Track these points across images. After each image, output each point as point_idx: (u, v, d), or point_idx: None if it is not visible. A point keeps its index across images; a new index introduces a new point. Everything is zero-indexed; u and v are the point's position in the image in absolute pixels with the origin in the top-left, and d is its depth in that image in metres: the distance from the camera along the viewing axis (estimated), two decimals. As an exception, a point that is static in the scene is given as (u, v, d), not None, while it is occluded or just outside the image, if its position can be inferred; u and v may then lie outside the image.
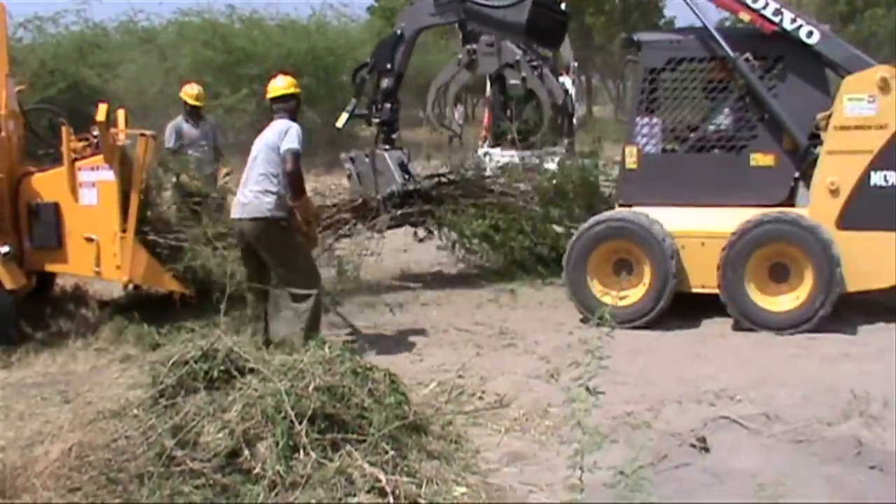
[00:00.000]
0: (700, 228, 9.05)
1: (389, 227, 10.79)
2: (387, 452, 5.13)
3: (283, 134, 7.89)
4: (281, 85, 8.25)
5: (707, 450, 5.92)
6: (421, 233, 11.41)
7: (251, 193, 7.87)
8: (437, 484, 5.14)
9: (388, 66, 10.24)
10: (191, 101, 11.52)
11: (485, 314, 9.52)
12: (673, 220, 9.04)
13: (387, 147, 10.63)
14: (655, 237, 8.88)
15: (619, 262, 9.21)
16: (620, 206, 9.53)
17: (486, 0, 9.95)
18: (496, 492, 5.33)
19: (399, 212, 10.41)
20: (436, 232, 11.30)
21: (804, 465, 5.65)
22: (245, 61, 23.42)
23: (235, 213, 8.00)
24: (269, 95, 8.28)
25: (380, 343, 8.72)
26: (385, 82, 10.32)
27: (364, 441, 5.16)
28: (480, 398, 6.92)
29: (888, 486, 5.32)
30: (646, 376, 7.45)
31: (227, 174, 11.46)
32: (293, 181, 7.92)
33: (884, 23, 28.30)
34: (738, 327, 8.79)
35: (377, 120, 10.71)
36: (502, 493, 5.35)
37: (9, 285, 8.55)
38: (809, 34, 8.79)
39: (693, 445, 5.96)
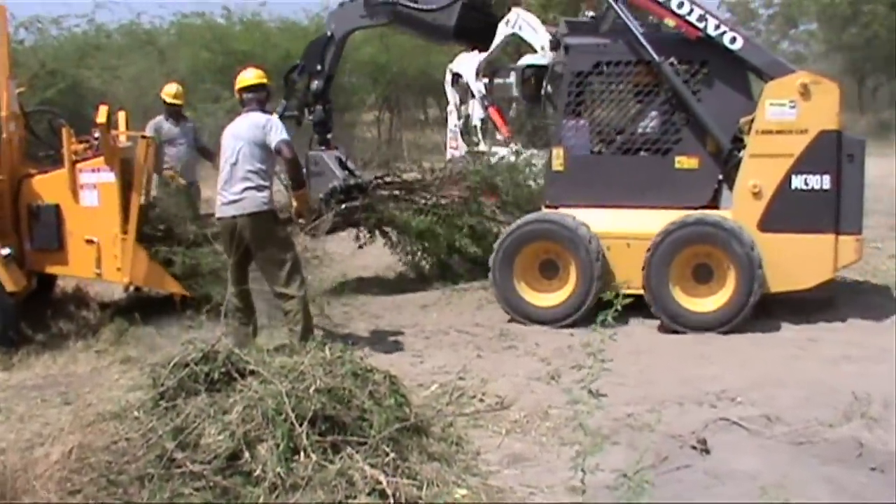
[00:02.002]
0: (625, 230, 9.19)
1: (332, 231, 10.65)
2: (387, 454, 5.14)
3: (264, 127, 7.90)
4: (251, 76, 8.24)
5: (708, 451, 5.93)
6: (362, 237, 11.27)
7: (241, 190, 7.84)
8: (437, 486, 5.15)
9: (319, 67, 10.16)
10: (169, 100, 11.51)
11: (485, 316, 9.52)
12: (599, 221, 9.19)
13: (323, 147, 10.59)
14: (581, 238, 9.02)
15: (545, 263, 9.32)
16: (547, 207, 9.63)
17: (415, 3, 9.88)
18: (497, 493, 5.33)
19: (343, 206, 10.22)
20: (377, 234, 11.20)
21: (805, 466, 5.66)
22: (244, 63, 23.31)
23: (225, 211, 7.95)
24: (240, 86, 8.22)
25: (380, 345, 8.71)
26: (315, 84, 10.22)
27: (365, 443, 5.17)
28: (481, 400, 6.92)
29: (889, 487, 5.33)
30: (647, 377, 7.45)
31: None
32: (295, 170, 8.07)
33: (885, 23, 28.24)
34: (663, 328, 8.89)
35: (310, 121, 10.63)
36: (503, 494, 5.35)
37: (9, 287, 8.54)
38: (733, 40, 8.95)
39: (694, 447, 5.97)
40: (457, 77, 17.74)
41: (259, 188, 7.88)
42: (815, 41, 37.63)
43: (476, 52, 16.57)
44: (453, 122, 17.94)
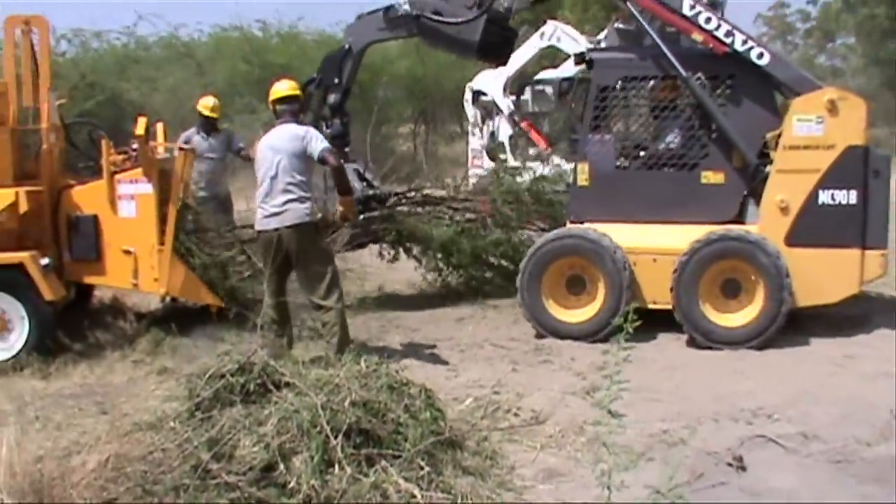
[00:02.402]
0: (651, 245, 9.15)
1: (354, 245, 10.70)
2: (422, 468, 5.14)
3: (304, 138, 7.97)
4: (285, 88, 8.30)
5: (744, 469, 5.87)
6: (385, 254, 11.28)
7: (282, 203, 7.88)
8: (472, 500, 5.14)
9: (336, 80, 10.13)
10: (206, 112, 11.59)
11: (521, 329, 9.49)
12: (624, 236, 9.15)
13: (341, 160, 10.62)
14: (609, 254, 8.98)
15: (572, 279, 9.30)
16: (572, 222, 9.60)
17: (439, 16, 9.79)
18: (531, 509, 5.31)
19: (361, 217, 10.21)
20: (400, 249, 11.19)
21: (842, 485, 5.60)
22: (281, 76, 23.36)
23: (266, 224, 7.98)
24: (274, 97, 8.27)
25: (415, 358, 8.70)
26: (332, 97, 10.18)
27: (399, 456, 5.17)
28: (516, 414, 6.88)
29: (929, 508, 5.26)
30: (682, 393, 7.40)
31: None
32: (340, 177, 8.18)
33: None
34: (692, 343, 8.85)
35: (328, 134, 10.63)
36: (537, 510, 5.33)
37: (48, 296, 8.60)
38: (760, 55, 8.94)
39: (730, 464, 5.92)
40: (477, 95, 17.65)
41: (301, 199, 7.92)
42: (853, 55, 37.38)
43: (499, 68, 16.57)
44: (476, 141, 17.81)
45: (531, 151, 16.32)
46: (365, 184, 10.03)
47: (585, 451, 6.21)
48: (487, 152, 17.36)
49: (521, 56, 15.97)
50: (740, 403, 7.08)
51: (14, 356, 8.59)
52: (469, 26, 9.50)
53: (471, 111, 17.94)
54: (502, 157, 16.83)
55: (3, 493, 4.83)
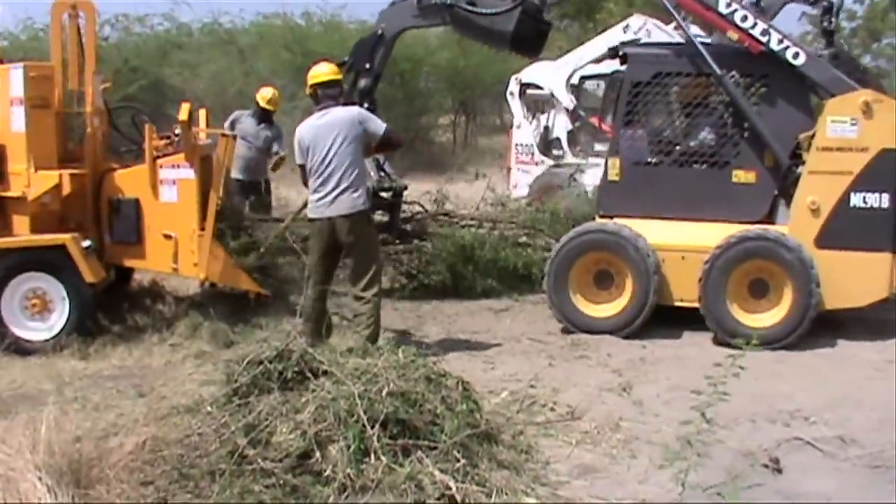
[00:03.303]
0: (680, 242, 9.12)
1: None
2: (458, 460, 5.14)
3: (361, 122, 7.98)
4: (326, 71, 8.24)
5: (780, 471, 5.84)
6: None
7: (339, 191, 7.86)
8: (506, 494, 5.14)
9: (367, 65, 10.08)
10: (262, 104, 11.61)
11: (557, 324, 9.45)
12: (653, 232, 9.11)
13: None
14: (638, 250, 8.95)
15: (599, 274, 9.27)
16: (601, 217, 9.57)
17: (473, 6, 9.64)
18: (565, 504, 5.29)
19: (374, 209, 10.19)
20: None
21: (880, 491, 5.55)
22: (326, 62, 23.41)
23: (320, 212, 7.96)
24: (316, 81, 8.18)
25: (452, 350, 8.69)
26: (363, 82, 10.10)
27: (435, 448, 5.18)
28: (552, 409, 6.86)
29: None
30: (719, 393, 7.34)
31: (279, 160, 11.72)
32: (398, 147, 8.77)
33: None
34: (717, 341, 8.80)
35: None
36: (572, 506, 5.31)
37: (89, 278, 8.66)
38: (796, 55, 8.84)
39: (766, 466, 5.88)
40: (525, 88, 17.28)
41: (355, 188, 7.90)
42: (899, 56, 36.90)
43: (559, 60, 16.34)
44: (523, 136, 17.19)
45: (597, 147, 15.89)
46: (382, 174, 10.04)
47: (621, 447, 6.19)
48: (540, 148, 16.92)
49: (595, 49, 15.56)
50: (778, 405, 7.03)
51: (54, 336, 8.65)
52: (503, 17, 9.43)
53: (517, 105, 17.21)
54: (557, 153, 16.58)
55: (42, 472, 4.87)
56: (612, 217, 9.44)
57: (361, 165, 8.04)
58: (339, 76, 8.37)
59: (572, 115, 16.31)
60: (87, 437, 5.54)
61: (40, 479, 4.83)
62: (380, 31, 9.90)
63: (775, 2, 9.90)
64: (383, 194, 9.56)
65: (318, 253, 8.09)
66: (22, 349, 8.60)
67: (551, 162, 16.13)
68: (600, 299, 9.25)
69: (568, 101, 16.25)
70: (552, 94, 16.43)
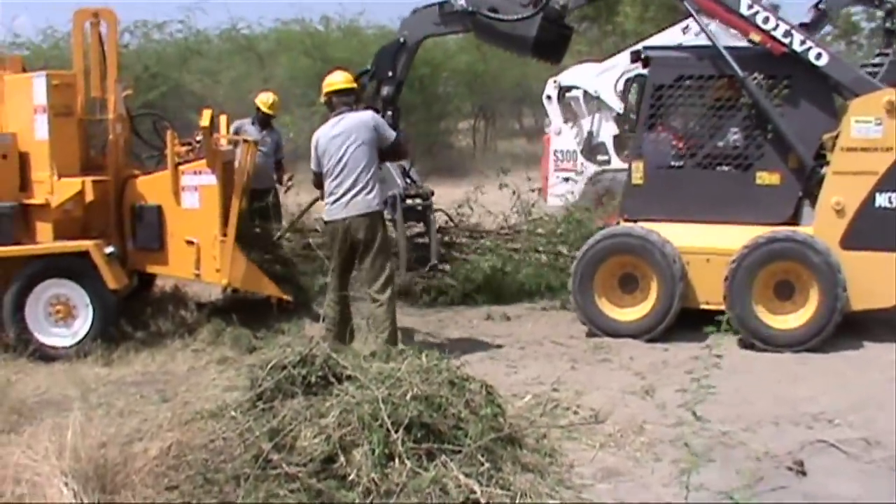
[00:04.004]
0: (705, 245, 9.07)
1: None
2: (482, 464, 5.14)
3: (375, 128, 8.11)
4: (340, 79, 8.36)
5: (804, 473, 5.80)
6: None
7: (353, 193, 7.98)
8: (530, 497, 5.14)
9: (390, 73, 10.11)
10: (264, 109, 11.56)
11: (580, 328, 9.44)
12: (678, 235, 9.07)
13: None
14: (665, 255, 8.93)
15: (624, 277, 9.25)
16: (625, 220, 9.54)
17: (495, 13, 9.60)
18: (590, 508, 5.29)
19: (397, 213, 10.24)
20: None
21: (906, 492, 5.52)
22: (338, 69, 23.42)
23: (335, 214, 8.07)
24: (331, 89, 8.33)
25: (475, 354, 8.71)
26: (385, 90, 10.15)
27: (459, 452, 5.18)
28: (575, 412, 6.86)
29: None
30: (743, 396, 7.31)
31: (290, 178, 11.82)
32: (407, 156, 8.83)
33: None
34: (743, 344, 8.76)
35: None
36: (596, 509, 5.30)
37: (112, 284, 8.71)
38: (818, 56, 8.80)
39: (790, 468, 5.85)
40: (564, 91, 16.92)
41: (370, 190, 8.03)
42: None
43: (605, 63, 16.11)
44: (565, 143, 16.58)
45: None
46: (409, 181, 10.06)
47: (645, 451, 6.18)
48: (585, 154, 16.46)
49: None
50: (801, 408, 7.00)
51: (78, 342, 8.71)
52: (524, 23, 9.43)
53: (555, 109, 16.71)
54: (602, 158, 16.25)
55: (68, 477, 4.89)
56: (636, 221, 9.42)
57: (375, 168, 8.14)
58: (354, 84, 8.46)
59: (619, 118, 16.05)
60: (111, 442, 5.56)
61: (66, 484, 4.86)
62: (402, 39, 9.94)
63: (837, 3, 9.89)
64: (410, 201, 9.60)
65: (336, 257, 8.19)
66: (46, 355, 8.65)
67: (596, 168, 15.86)
68: (625, 303, 9.24)
69: (617, 104, 15.98)
70: (598, 98, 16.16)
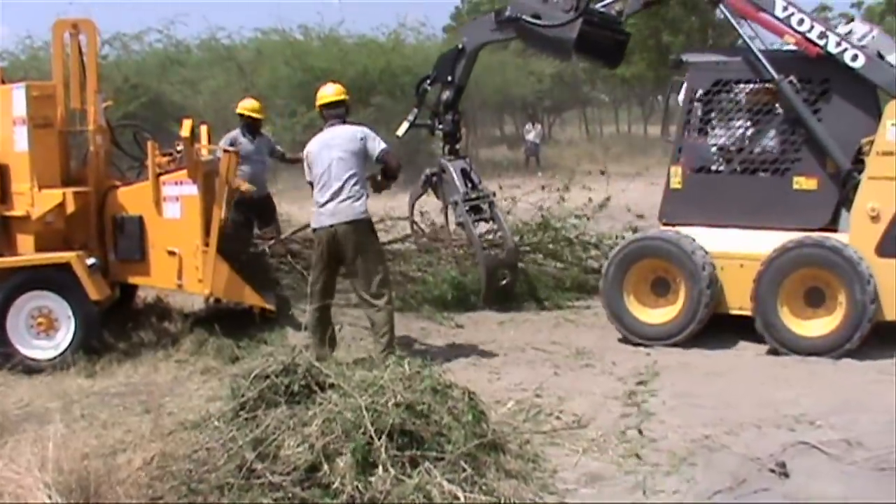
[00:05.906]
0: (739, 250, 9.02)
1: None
2: (465, 470, 5.16)
3: (363, 139, 8.20)
4: (332, 92, 8.47)
5: (787, 475, 5.82)
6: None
7: (338, 200, 8.06)
8: (514, 503, 5.14)
9: (450, 78, 10.31)
10: (247, 113, 11.44)
11: (562, 334, 9.48)
12: (714, 240, 9.05)
13: (451, 157, 10.70)
14: (695, 261, 8.88)
15: (657, 281, 9.24)
16: (664, 225, 9.53)
17: (538, 20, 9.81)
18: (573, 513, 5.30)
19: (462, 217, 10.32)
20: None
21: (887, 493, 5.53)
22: (322, 79, 23.53)
23: (322, 221, 8.14)
24: (322, 102, 8.47)
25: (458, 360, 8.72)
26: (446, 94, 10.38)
27: (442, 458, 5.19)
28: (558, 418, 6.86)
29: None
30: (724, 399, 7.34)
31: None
32: (396, 176, 8.55)
33: None
34: (771, 351, 8.73)
35: (440, 130, 10.73)
36: (580, 514, 5.32)
37: (94, 296, 8.68)
38: (854, 58, 8.68)
39: (772, 470, 5.86)
40: None
41: (356, 198, 8.10)
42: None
43: None
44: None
45: None
46: (470, 185, 10.15)
47: (627, 455, 6.19)
48: None
49: None
50: (783, 410, 7.01)
51: (60, 354, 8.67)
52: (565, 27, 9.58)
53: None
54: None
55: (52, 489, 4.88)
56: (673, 225, 9.39)
57: (362, 177, 8.21)
58: (344, 97, 8.52)
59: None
60: (94, 454, 5.56)
61: (49, 496, 4.84)
62: (461, 45, 10.19)
63: None
64: (475, 203, 9.88)
65: (320, 264, 8.25)
66: (28, 368, 8.62)
67: None
68: (654, 305, 9.22)
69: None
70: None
